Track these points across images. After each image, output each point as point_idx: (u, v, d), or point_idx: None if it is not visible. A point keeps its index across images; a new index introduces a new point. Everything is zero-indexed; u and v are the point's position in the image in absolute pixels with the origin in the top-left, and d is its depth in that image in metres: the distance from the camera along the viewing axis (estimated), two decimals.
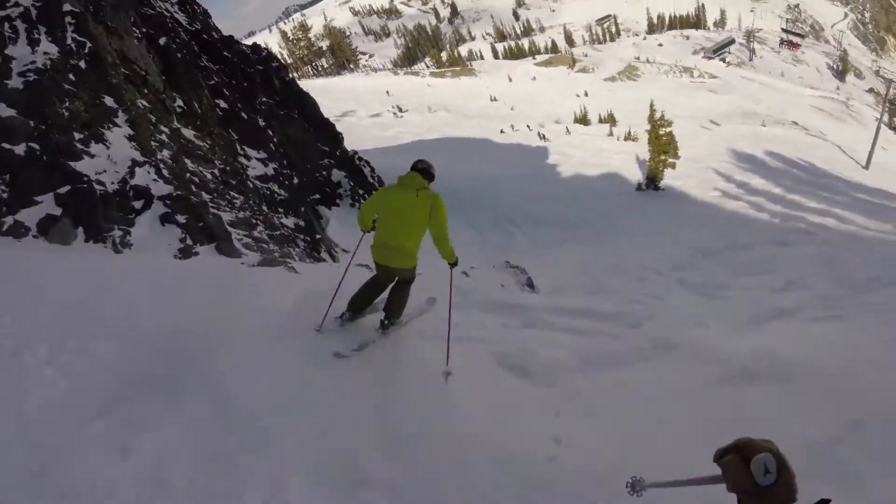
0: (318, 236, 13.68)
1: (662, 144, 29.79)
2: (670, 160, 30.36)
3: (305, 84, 33.70)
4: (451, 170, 19.35)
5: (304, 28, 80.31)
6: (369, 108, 48.93)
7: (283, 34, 78.72)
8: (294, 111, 19.09)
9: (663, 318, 9.17)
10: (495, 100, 61.00)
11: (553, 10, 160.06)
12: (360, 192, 18.93)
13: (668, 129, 30.03)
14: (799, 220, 22.64)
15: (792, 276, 13.58)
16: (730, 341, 7.39)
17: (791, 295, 11.50)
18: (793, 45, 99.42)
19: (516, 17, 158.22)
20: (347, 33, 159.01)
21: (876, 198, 27.65)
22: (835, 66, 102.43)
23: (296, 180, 16.34)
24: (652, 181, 29.61)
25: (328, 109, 24.70)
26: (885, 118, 67.63)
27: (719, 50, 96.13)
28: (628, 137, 43.32)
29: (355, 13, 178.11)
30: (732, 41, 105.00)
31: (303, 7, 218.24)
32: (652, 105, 31.30)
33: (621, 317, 8.72)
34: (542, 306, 8.80)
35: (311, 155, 18.53)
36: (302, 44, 77.76)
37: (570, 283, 14.23)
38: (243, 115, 16.25)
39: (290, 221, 13.65)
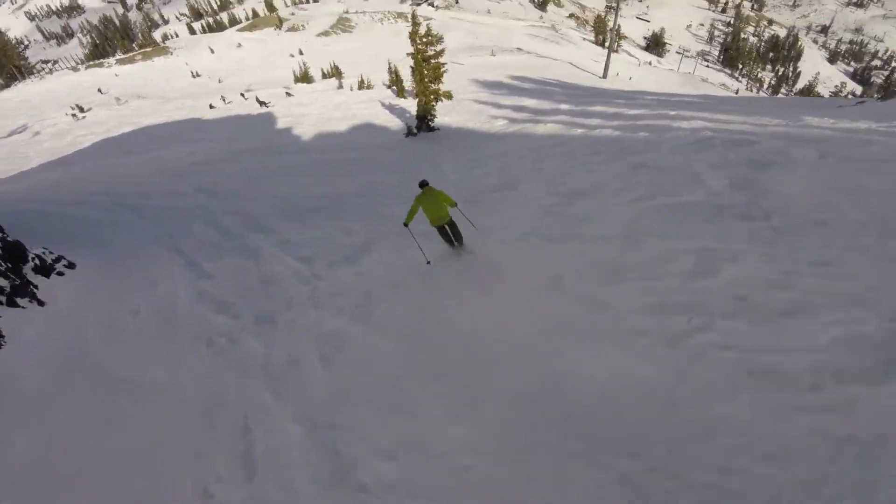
0: None
1: (433, 69, 22.58)
2: (444, 89, 23.64)
3: None
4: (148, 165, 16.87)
5: None
6: (46, 117, 35.59)
7: None
8: None
9: None
10: (198, 75, 50.24)
11: None
12: None
13: (438, 48, 22.80)
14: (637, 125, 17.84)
15: None
16: None
17: None
18: None
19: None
20: (26, 42, 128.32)
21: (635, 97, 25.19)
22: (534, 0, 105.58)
23: None
24: (423, 120, 22.73)
25: None
26: (592, 37, 71.73)
27: None
28: (362, 86, 36.90)
29: (31, 17, 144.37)
30: None
31: None
32: (415, 19, 23.02)
33: None
34: None
35: None
36: None
37: None
38: None
39: None
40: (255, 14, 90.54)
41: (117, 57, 61.55)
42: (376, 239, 11.11)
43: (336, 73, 42.87)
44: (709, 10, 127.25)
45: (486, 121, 22.89)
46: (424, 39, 22.02)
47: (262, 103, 33.48)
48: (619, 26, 50.69)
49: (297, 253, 10.86)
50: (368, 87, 36.90)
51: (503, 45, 51.77)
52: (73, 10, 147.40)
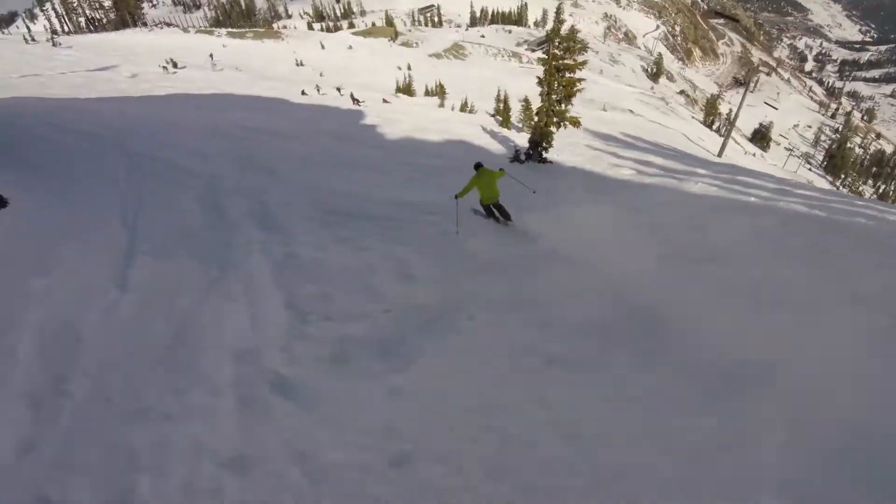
0: None
1: (567, 84, 17.48)
2: (572, 114, 18.56)
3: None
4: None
5: None
6: (139, 64, 33.51)
7: None
8: None
9: None
10: (302, 65, 48.11)
11: None
12: None
13: (579, 59, 17.53)
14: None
15: None
16: None
17: None
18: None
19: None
20: (154, 2, 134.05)
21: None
22: (648, 69, 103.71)
23: None
24: (536, 147, 18.01)
25: (88, 64, 24.87)
26: (701, 117, 67.17)
27: (542, 44, 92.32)
28: (465, 109, 33.04)
29: None
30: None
31: None
32: (559, 14, 18.51)
33: None
34: None
35: None
36: None
37: None
38: None
39: None
40: (374, 26, 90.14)
41: (228, 30, 60.60)
42: (454, 309, 5.99)
43: (440, 92, 39.33)
44: (818, 112, 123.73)
45: (609, 167, 17.99)
46: (563, 44, 17.32)
47: (355, 100, 30.11)
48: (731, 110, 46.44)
49: (293, 288, 5.92)
50: (471, 111, 33.05)
51: (614, 104, 48.29)
52: None
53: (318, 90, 33.33)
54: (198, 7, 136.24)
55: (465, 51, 64.97)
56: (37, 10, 53.31)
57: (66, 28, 55.15)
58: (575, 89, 17.77)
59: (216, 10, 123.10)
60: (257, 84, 32.47)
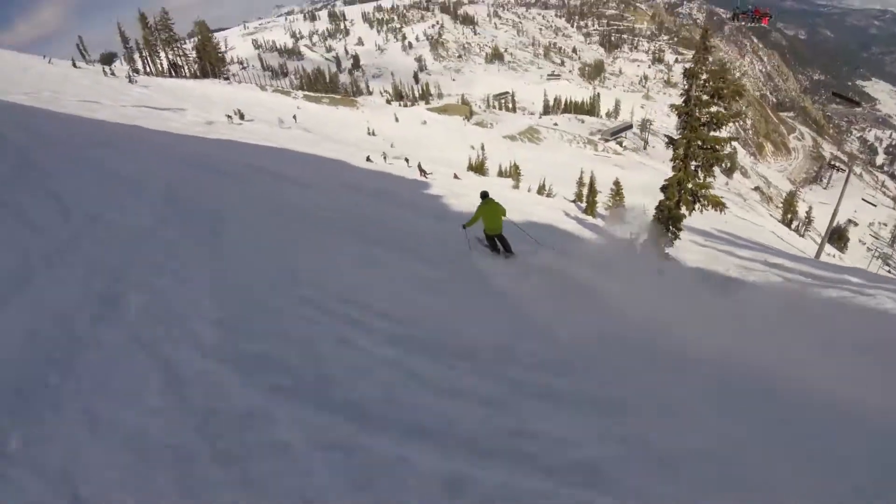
0: None
1: (712, 144, 13.40)
2: (713, 193, 14.59)
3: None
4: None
5: (165, 16, 60.17)
6: (205, 110, 32.39)
7: (142, 16, 58.32)
8: None
9: None
10: (374, 134, 46.63)
11: (454, 80, 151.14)
12: None
13: (731, 109, 13.40)
14: None
15: None
16: None
17: None
18: None
19: (416, 79, 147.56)
20: (245, 64, 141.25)
21: None
22: (722, 164, 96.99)
23: None
24: (670, 225, 14.29)
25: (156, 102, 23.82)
26: (778, 214, 62.57)
27: (616, 133, 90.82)
28: (542, 192, 29.82)
29: (257, 46, 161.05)
30: (630, 126, 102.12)
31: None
32: (705, 37, 14.35)
33: None
34: None
35: None
36: (160, 34, 58.49)
37: None
38: None
39: None
40: (449, 104, 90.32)
41: (305, 93, 60.71)
42: None
43: (515, 173, 36.55)
44: (893, 208, 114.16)
45: (732, 267, 13.92)
46: (709, 83, 13.01)
47: (423, 172, 27.39)
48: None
49: None
50: (549, 194, 29.77)
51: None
52: (294, 53, 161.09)
53: (385, 158, 31.00)
54: (285, 75, 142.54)
55: (539, 135, 62.98)
56: (135, 55, 54.43)
57: (148, 69, 56.23)
58: (722, 153, 13.47)
59: (301, 78, 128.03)
60: (321, 145, 30.52)
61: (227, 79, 57.78)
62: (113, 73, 39.75)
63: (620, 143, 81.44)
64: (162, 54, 58.79)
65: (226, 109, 35.00)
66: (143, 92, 33.05)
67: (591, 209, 25.68)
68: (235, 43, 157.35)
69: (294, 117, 40.62)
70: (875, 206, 60.86)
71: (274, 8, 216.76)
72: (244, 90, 50.80)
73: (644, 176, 49.68)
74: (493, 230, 9.39)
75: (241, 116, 33.54)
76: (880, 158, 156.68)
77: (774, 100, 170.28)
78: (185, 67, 59.14)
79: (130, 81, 37.19)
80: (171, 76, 55.81)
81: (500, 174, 38.23)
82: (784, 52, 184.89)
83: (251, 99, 45.79)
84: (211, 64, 58.69)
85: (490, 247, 9.74)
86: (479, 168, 37.24)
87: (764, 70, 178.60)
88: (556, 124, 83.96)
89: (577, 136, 67.44)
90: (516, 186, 31.09)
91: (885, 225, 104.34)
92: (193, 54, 60.88)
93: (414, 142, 47.23)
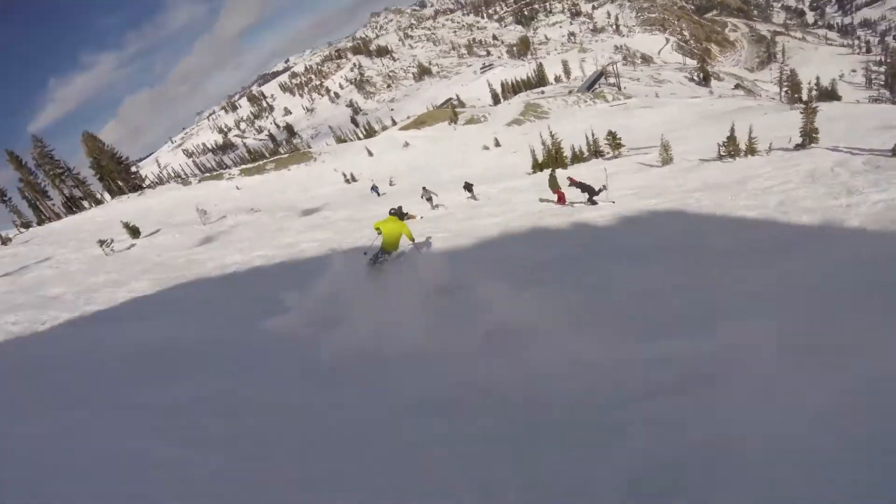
0: None
1: None
2: None
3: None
4: None
5: (40, 145, 42.04)
6: (78, 251, 16.82)
7: (11, 156, 40.30)
8: None
9: None
10: (354, 179, 30.18)
11: (392, 109, 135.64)
12: None
13: None
14: None
15: None
16: None
17: None
18: None
19: (355, 123, 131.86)
20: (184, 176, 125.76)
21: None
22: (694, 78, 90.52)
23: None
24: None
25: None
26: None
27: (592, 85, 76.30)
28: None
29: (189, 154, 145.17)
30: (602, 73, 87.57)
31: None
32: None
33: None
34: None
35: None
36: (45, 168, 40.92)
37: None
38: None
39: None
40: (426, 112, 74.08)
41: (241, 167, 43.59)
42: None
43: (615, 142, 20.41)
44: (851, 54, 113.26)
45: None
46: None
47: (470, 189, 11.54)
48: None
49: None
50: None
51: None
52: (227, 147, 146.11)
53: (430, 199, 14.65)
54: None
55: (541, 108, 47.25)
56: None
57: (45, 215, 38.77)
58: None
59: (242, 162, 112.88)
60: (280, 235, 14.36)
61: (140, 189, 40.72)
62: None
63: (606, 98, 66.34)
64: (55, 191, 41.59)
65: (111, 233, 18.18)
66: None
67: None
68: (167, 159, 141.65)
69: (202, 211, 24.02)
70: None
71: (195, 115, 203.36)
72: (159, 195, 33.92)
73: (671, 111, 35.07)
74: (389, 246, 8.20)
75: (136, 232, 17.17)
76: (811, 17, 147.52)
77: (692, 6, 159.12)
78: (86, 199, 41.91)
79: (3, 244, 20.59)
80: (73, 212, 38.87)
81: (576, 156, 22.03)
82: None
83: (166, 202, 29.24)
84: (113, 180, 41.75)
85: (375, 257, 8.23)
86: (554, 158, 21.15)
87: None
88: (542, 92, 69.08)
89: (581, 97, 51.90)
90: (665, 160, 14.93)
91: (854, 71, 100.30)
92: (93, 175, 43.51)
93: (414, 169, 31.38)
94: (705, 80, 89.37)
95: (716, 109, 35.23)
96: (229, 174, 38.86)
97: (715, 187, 10.55)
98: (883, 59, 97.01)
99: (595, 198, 11.34)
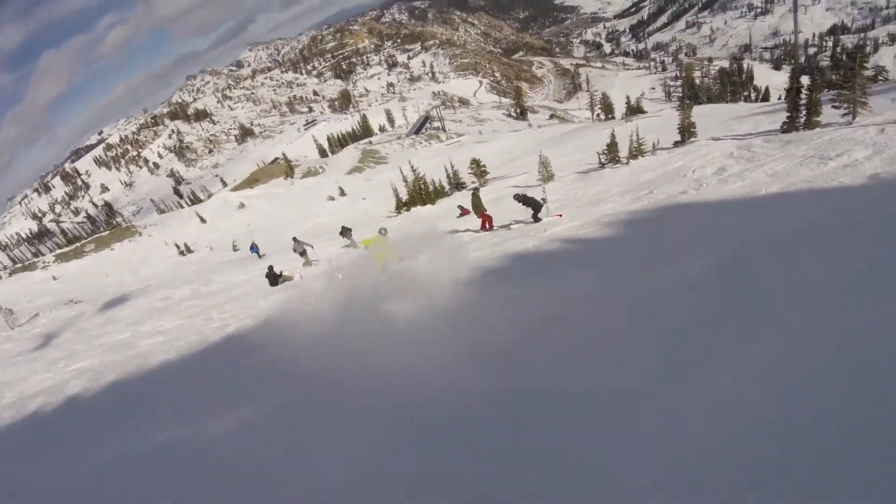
0: None
1: None
2: None
3: None
4: None
5: None
6: None
7: None
8: None
9: None
10: (190, 251, 26.14)
11: (217, 175, 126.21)
12: None
13: None
14: None
15: None
16: None
17: None
18: None
19: (178, 193, 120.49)
20: None
21: None
22: (512, 113, 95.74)
23: None
24: None
25: None
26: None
27: (420, 129, 78.36)
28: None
29: (3, 247, 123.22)
30: (427, 118, 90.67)
31: None
32: None
33: None
34: None
35: None
36: None
37: None
38: None
39: None
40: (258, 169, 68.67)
41: (56, 252, 36.50)
42: None
43: (479, 170, 19.37)
44: (649, 74, 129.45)
45: None
46: None
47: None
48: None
49: None
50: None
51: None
52: (44, 234, 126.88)
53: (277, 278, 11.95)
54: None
55: (379, 153, 45.97)
56: None
57: None
58: None
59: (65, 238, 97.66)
60: (109, 331, 10.78)
61: None
62: None
63: (439, 139, 67.96)
64: None
65: None
66: None
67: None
68: None
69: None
70: None
71: (6, 202, 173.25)
72: None
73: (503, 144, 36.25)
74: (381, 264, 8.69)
75: None
76: (608, 48, 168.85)
77: (500, 50, 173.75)
78: None
79: None
80: None
81: (438, 190, 20.75)
82: (486, 9, 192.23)
83: None
84: None
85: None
86: (420, 195, 19.49)
87: (480, 31, 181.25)
88: (370, 142, 68.24)
89: (415, 138, 51.84)
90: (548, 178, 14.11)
91: (654, 89, 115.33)
92: None
93: (257, 230, 27.89)
94: (522, 114, 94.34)
95: (547, 135, 36.70)
96: (44, 262, 32.07)
97: (648, 184, 9.78)
98: (678, 75, 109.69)
99: (538, 214, 9.85)
